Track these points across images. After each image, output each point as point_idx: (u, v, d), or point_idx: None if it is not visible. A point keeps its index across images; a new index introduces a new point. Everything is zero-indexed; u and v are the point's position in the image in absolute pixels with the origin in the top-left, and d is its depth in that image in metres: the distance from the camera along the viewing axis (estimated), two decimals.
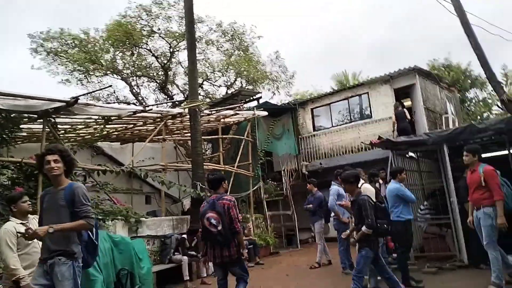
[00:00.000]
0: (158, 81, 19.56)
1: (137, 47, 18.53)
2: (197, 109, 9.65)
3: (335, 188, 7.61)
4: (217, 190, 5.05)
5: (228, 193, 5.36)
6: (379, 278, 6.56)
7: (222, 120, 12.54)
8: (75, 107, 7.13)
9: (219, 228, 4.64)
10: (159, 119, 10.18)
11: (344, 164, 12.05)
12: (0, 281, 4.51)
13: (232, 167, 12.07)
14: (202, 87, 19.61)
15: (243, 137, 12.95)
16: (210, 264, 8.60)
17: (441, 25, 46.02)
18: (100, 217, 7.20)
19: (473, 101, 25.14)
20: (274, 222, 12.96)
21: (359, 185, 5.40)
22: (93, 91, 17.42)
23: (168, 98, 19.23)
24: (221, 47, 19.70)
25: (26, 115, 7.49)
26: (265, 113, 13.63)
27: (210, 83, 20.16)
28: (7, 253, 4.00)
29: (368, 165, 10.43)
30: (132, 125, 10.60)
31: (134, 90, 19.30)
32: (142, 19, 18.20)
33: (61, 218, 3.36)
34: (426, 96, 13.37)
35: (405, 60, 52.21)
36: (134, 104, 17.97)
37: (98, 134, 10.69)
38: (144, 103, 17.17)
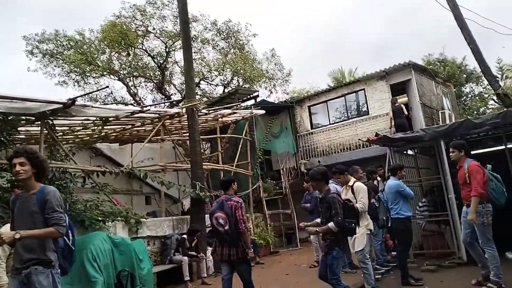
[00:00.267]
0: (155, 81, 19.56)
1: (132, 47, 18.53)
2: (194, 109, 9.66)
3: (332, 186, 7.63)
4: (227, 191, 5.26)
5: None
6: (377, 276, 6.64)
7: (220, 119, 12.55)
8: (72, 108, 7.12)
9: (226, 227, 4.87)
10: (157, 120, 10.18)
11: (342, 161, 12.16)
12: None
13: (231, 167, 12.09)
14: (199, 87, 19.62)
15: (241, 136, 12.96)
16: (210, 264, 8.69)
17: (436, 19, 46.15)
18: (100, 219, 7.22)
19: (469, 95, 25.24)
20: (274, 221, 12.99)
21: (352, 183, 5.42)
22: (90, 92, 17.41)
23: (165, 98, 19.25)
24: (217, 45, 19.73)
25: (24, 117, 7.48)
26: (263, 111, 13.64)
27: (207, 82, 20.20)
28: None
29: (366, 162, 10.48)
30: (130, 126, 10.59)
31: (131, 91, 19.32)
32: (137, 19, 18.22)
33: (36, 224, 3.17)
34: (422, 92, 13.42)
35: (401, 56, 52.36)
36: (131, 104, 17.99)
37: (96, 136, 10.67)
38: (141, 104, 17.18)
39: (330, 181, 7.77)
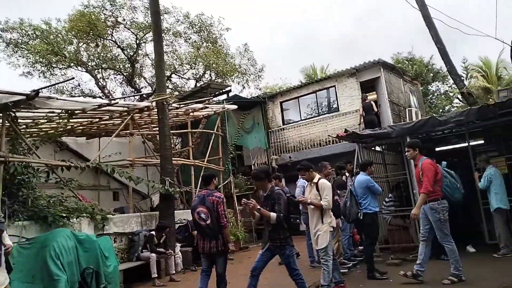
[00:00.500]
0: (124, 74, 19.13)
1: (101, 38, 18.03)
2: (165, 103, 9.48)
3: (302, 181, 7.68)
4: (208, 186, 5.36)
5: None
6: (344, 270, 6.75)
7: (191, 113, 12.39)
8: (36, 100, 6.83)
9: (208, 222, 5.01)
10: (125, 113, 9.94)
11: (312, 157, 12.29)
12: None
13: (202, 162, 11.98)
14: (170, 80, 19.34)
15: (213, 131, 12.86)
16: (179, 261, 8.61)
17: (405, 18, 47.26)
18: (64, 215, 7.01)
19: (436, 94, 26.04)
20: (244, 216, 12.96)
21: (317, 180, 5.44)
22: (55, 84, 16.84)
23: (135, 91, 18.85)
24: (189, 39, 19.49)
25: None
26: (235, 106, 13.58)
27: (179, 76, 19.94)
28: None
29: (336, 158, 10.63)
30: (98, 119, 10.31)
31: (100, 83, 18.81)
32: (106, 9, 17.74)
33: None
34: (391, 89, 13.72)
35: (371, 54, 53.29)
36: (100, 97, 17.52)
37: (61, 129, 10.33)
38: (110, 97, 16.74)
39: (300, 176, 7.87)
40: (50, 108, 8.22)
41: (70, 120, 9.47)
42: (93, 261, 6.49)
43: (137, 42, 18.38)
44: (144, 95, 16.99)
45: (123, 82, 19.86)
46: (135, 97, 17.52)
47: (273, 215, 4.57)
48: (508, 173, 7.50)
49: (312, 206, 5.39)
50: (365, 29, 50.96)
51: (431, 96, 25.54)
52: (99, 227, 7.72)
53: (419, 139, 9.15)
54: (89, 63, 18.37)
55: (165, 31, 18.22)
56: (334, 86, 14.13)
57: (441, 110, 23.43)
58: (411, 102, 15.05)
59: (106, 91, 18.80)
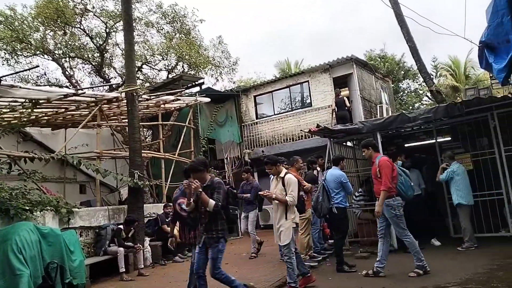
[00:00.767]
0: (93, 63, 18.56)
1: (69, 26, 17.43)
2: (135, 94, 9.23)
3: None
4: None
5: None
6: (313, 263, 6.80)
7: (162, 105, 12.16)
8: None
9: None
10: (93, 104, 9.64)
11: (284, 152, 12.32)
12: None
13: (173, 155, 11.79)
14: (141, 71, 18.91)
15: (184, 124, 12.67)
16: (148, 255, 8.45)
17: (380, 16, 48.08)
18: (27, 208, 6.71)
19: (406, 91, 26.67)
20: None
21: (283, 174, 5.36)
22: (19, 72, 16.22)
23: (104, 82, 18.32)
24: (162, 29, 19.10)
25: None
26: (208, 99, 13.41)
27: (150, 66, 19.52)
28: None
29: (308, 152, 10.68)
30: (64, 110, 9.96)
31: (67, 73, 18.20)
32: None
33: None
34: (363, 86, 13.90)
35: (344, 51, 53.98)
36: (66, 87, 16.91)
37: (25, 119, 9.93)
38: (78, 86, 16.18)
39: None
40: (13, 97, 7.91)
41: (34, 110, 9.14)
42: (58, 256, 6.26)
43: (107, 31, 17.86)
44: (114, 86, 16.54)
45: (92, 72, 19.30)
46: (104, 87, 17.03)
47: (212, 202, 4.43)
48: (474, 170, 7.72)
49: (277, 201, 5.28)
50: (340, 26, 51.59)
51: (401, 93, 26.15)
52: (64, 221, 7.45)
53: (389, 135, 9.41)
54: (56, 52, 17.72)
55: (137, 20, 17.79)
56: (308, 81, 14.18)
57: (411, 107, 24.03)
58: (382, 98, 15.32)
59: (74, 81, 18.19)
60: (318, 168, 8.08)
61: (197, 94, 13.61)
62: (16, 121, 9.96)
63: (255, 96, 15.36)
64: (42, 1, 16.50)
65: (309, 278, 5.60)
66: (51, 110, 9.83)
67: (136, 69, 14.84)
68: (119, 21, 16.61)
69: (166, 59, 19.05)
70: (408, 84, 26.69)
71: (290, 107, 14.82)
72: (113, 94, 10.17)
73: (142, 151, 9.89)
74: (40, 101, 8.47)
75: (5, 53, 17.03)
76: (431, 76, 14.36)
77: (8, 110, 8.91)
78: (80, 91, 8.89)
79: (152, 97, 11.32)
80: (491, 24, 5.80)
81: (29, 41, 16.73)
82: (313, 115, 13.64)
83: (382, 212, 5.67)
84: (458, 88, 21.02)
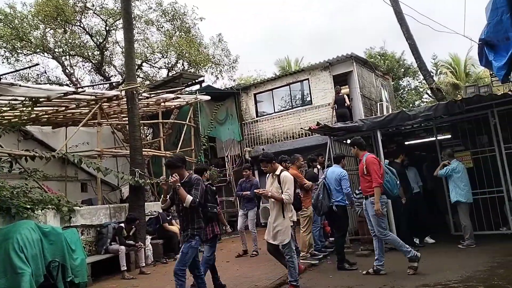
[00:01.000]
0: (93, 62, 18.53)
1: (69, 24, 17.40)
2: (135, 92, 9.23)
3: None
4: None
5: None
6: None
7: (162, 104, 12.15)
8: None
9: None
10: (93, 102, 9.64)
11: (285, 149, 12.32)
12: None
13: (173, 153, 11.79)
14: (141, 69, 18.89)
15: (185, 122, 12.67)
16: (150, 253, 8.48)
17: (379, 14, 47.98)
18: (28, 206, 6.74)
19: (406, 89, 26.65)
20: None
21: (279, 172, 5.33)
22: (19, 70, 16.19)
23: (104, 80, 18.30)
24: (162, 27, 19.07)
25: None
26: (208, 97, 13.40)
27: (150, 64, 19.49)
28: None
29: (308, 150, 10.72)
30: (64, 108, 9.96)
31: (67, 71, 18.17)
32: None
33: None
34: (363, 83, 13.89)
35: (345, 48, 53.77)
36: (67, 85, 16.90)
37: (25, 117, 9.91)
38: (78, 85, 16.17)
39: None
40: (13, 95, 7.92)
41: (35, 108, 9.13)
42: (59, 254, 6.29)
43: (107, 29, 17.83)
44: (114, 84, 16.53)
45: (92, 70, 19.27)
46: (104, 85, 17.01)
47: (189, 197, 4.39)
48: (474, 167, 7.73)
49: (273, 200, 5.25)
50: (340, 24, 51.49)
51: (402, 91, 26.13)
52: (65, 219, 7.48)
53: (390, 133, 9.41)
54: (56, 50, 17.70)
55: (137, 18, 17.76)
56: (308, 79, 14.18)
57: (411, 105, 24.02)
58: (382, 96, 15.30)
59: (74, 79, 18.16)
60: (318, 166, 8.09)
61: (197, 92, 13.61)
62: (16, 119, 9.94)
63: (255, 94, 15.35)
64: None
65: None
66: (52, 108, 9.83)
67: (136, 67, 14.84)
68: (119, 19, 16.57)
69: (166, 57, 19.02)
70: (408, 81, 26.70)
71: (290, 105, 14.81)
72: (113, 92, 10.16)
73: (143, 149, 9.90)
74: (40, 100, 8.47)
75: (5, 51, 17.00)
76: (431, 74, 14.36)
77: (8, 108, 8.89)
78: (80, 89, 8.90)
79: (152, 95, 11.32)
80: (490, 22, 5.81)
81: (29, 39, 16.71)
82: (313, 113, 13.64)
83: (367, 209, 5.72)
84: (458, 85, 21.00)
